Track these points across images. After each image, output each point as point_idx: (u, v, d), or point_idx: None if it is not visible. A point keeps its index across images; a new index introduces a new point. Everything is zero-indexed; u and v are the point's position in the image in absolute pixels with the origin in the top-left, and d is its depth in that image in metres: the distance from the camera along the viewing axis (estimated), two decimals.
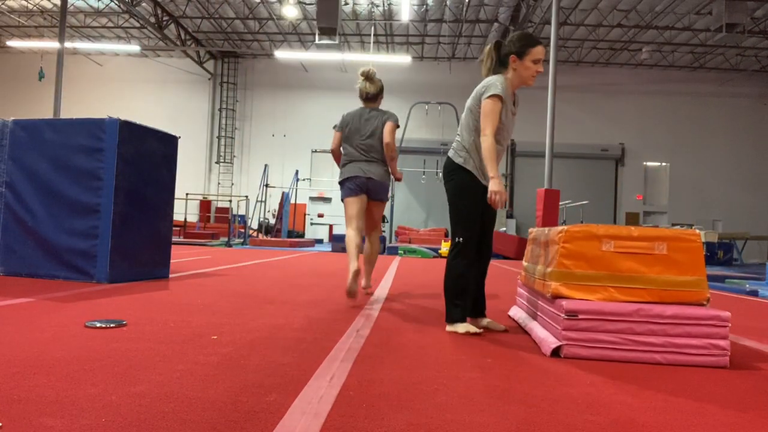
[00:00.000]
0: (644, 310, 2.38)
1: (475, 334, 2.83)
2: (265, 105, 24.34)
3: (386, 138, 3.99)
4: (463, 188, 2.96)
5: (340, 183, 4.11)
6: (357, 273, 3.69)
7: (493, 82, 2.90)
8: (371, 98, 4.14)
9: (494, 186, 2.77)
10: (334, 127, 4.19)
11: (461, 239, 2.92)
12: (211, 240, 14.57)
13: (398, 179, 4.19)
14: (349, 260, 3.81)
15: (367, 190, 4.03)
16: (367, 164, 4.02)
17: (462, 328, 2.88)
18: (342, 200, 4.10)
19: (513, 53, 2.92)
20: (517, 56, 2.91)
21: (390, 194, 4.72)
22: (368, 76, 4.15)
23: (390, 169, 4.16)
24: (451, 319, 2.94)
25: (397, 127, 4.06)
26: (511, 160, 23.70)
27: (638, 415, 1.65)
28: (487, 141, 2.84)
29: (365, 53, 21.62)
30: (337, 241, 13.61)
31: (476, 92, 2.96)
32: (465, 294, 2.95)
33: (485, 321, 3.10)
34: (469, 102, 3.02)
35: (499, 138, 2.95)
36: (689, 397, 1.88)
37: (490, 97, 2.86)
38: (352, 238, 3.91)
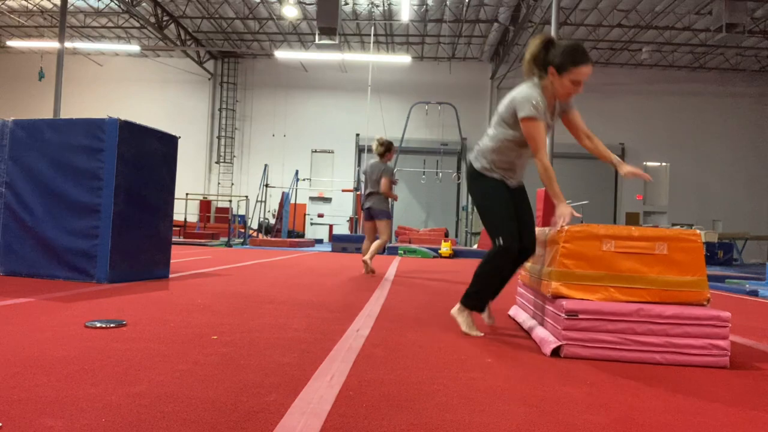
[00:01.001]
0: (644, 310, 2.38)
1: (478, 336, 2.83)
2: (265, 105, 24.34)
3: (382, 188, 6.39)
4: (487, 193, 2.88)
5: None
6: (365, 261, 6.41)
7: (527, 98, 2.67)
8: (380, 155, 6.49)
9: (560, 210, 2.67)
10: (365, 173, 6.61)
11: (501, 241, 2.79)
12: (211, 240, 14.57)
13: (395, 200, 6.72)
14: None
15: (369, 215, 6.56)
16: (368, 199, 6.52)
17: (467, 326, 2.85)
18: None
19: (553, 65, 2.66)
20: (556, 70, 2.64)
21: (389, 214, 6.60)
22: (379, 142, 6.49)
23: (388, 197, 6.49)
24: (466, 304, 2.88)
25: (391, 178, 6.41)
26: None
27: (638, 415, 1.64)
28: (540, 164, 2.69)
29: (365, 53, 21.61)
30: (337, 241, 13.61)
31: (510, 100, 2.77)
32: (492, 291, 2.93)
33: (487, 315, 3.14)
34: (500, 107, 2.84)
35: (524, 146, 2.80)
36: (689, 397, 1.88)
37: (524, 119, 2.67)
38: (364, 243, 6.75)
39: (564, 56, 2.62)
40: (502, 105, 2.82)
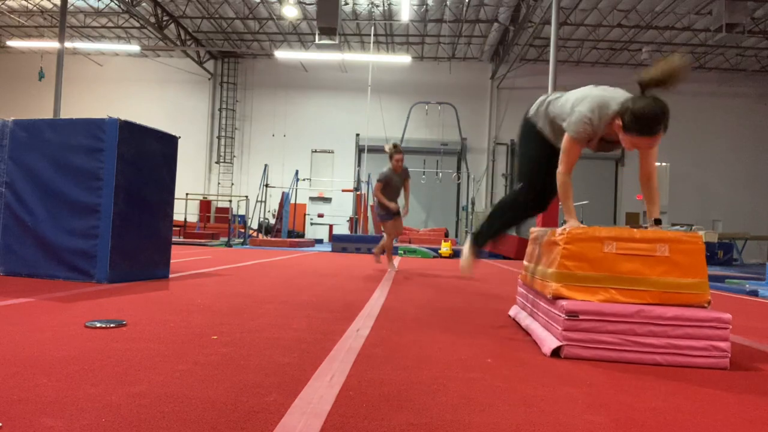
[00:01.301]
0: (645, 312, 2.38)
1: (467, 276, 3.09)
2: (265, 105, 24.33)
3: (373, 191, 6.86)
4: (528, 136, 2.95)
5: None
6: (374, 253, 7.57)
7: (581, 118, 2.56)
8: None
9: (570, 225, 2.65)
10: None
11: (523, 185, 2.92)
12: (211, 240, 14.57)
13: (385, 204, 6.84)
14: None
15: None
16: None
17: (467, 262, 3.20)
18: None
19: (621, 117, 2.50)
20: (622, 124, 2.50)
21: (384, 216, 7.00)
22: (387, 148, 6.73)
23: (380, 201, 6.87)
24: (475, 240, 3.16)
25: (378, 182, 6.81)
26: (511, 160, 23.69)
27: (638, 415, 1.64)
28: (560, 179, 2.68)
29: (365, 53, 21.62)
30: (337, 241, 13.60)
31: (571, 104, 2.67)
32: (500, 228, 3.11)
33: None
34: (569, 96, 2.74)
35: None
36: (689, 397, 1.88)
37: (570, 135, 2.60)
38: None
39: (631, 119, 2.46)
40: (567, 100, 2.71)
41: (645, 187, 2.74)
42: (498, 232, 3.18)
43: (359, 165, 23.21)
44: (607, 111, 2.55)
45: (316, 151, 24.09)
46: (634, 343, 2.37)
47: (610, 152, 2.85)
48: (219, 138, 24.35)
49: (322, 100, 23.88)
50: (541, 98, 3.03)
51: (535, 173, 2.98)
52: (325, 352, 2.27)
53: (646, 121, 2.43)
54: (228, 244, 13.27)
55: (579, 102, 2.62)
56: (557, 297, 2.51)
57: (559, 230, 2.71)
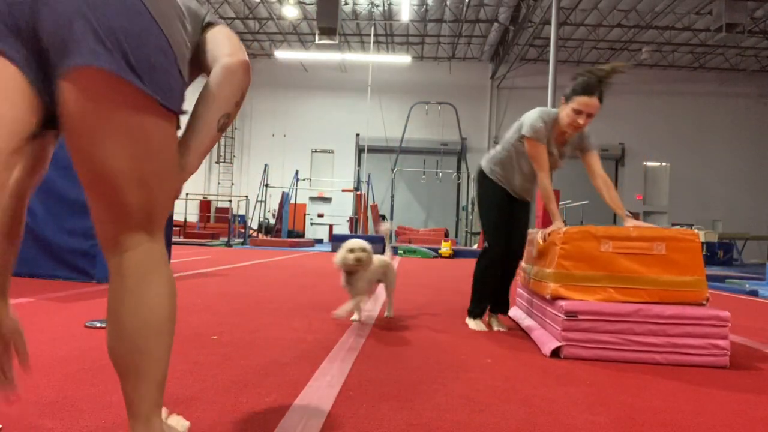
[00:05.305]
0: (644, 311, 2.38)
1: (481, 330, 3.03)
2: (265, 105, 24.33)
3: None
4: (487, 197, 3.09)
5: None
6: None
7: (534, 117, 2.82)
8: None
9: (553, 228, 2.76)
10: None
11: (488, 245, 3.06)
12: (211, 240, 14.57)
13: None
14: None
15: None
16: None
17: (474, 324, 3.08)
18: None
19: (564, 95, 2.78)
20: (564, 98, 2.78)
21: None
22: None
23: None
24: (470, 313, 3.15)
25: None
26: None
27: (638, 415, 1.65)
28: (541, 183, 2.84)
29: (365, 53, 21.62)
30: (337, 241, 13.60)
31: (523, 118, 2.92)
32: (486, 293, 3.11)
33: (496, 323, 3.18)
34: (517, 122, 2.99)
35: (526, 167, 2.96)
36: (689, 397, 1.88)
37: (527, 138, 2.82)
38: None
39: (573, 84, 2.71)
40: (517, 123, 2.98)
41: (606, 193, 2.89)
42: (489, 296, 3.13)
43: (359, 165, 23.22)
44: (550, 115, 2.82)
45: (316, 151, 24.09)
46: (634, 342, 2.37)
47: (565, 158, 3.02)
48: None
49: (322, 100, 23.87)
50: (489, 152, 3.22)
51: (499, 222, 3.03)
52: (325, 352, 2.27)
53: (584, 84, 2.67)
54: (228, 244, 13.27)
55: (525, 117, 2.90)
56: (556, 297, 2.51)
57: (541, 233, 2.84)
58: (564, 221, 2.93)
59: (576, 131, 2.80)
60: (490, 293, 3.12)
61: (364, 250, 2.74)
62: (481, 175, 3.13)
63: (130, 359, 0.98)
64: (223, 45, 1.16)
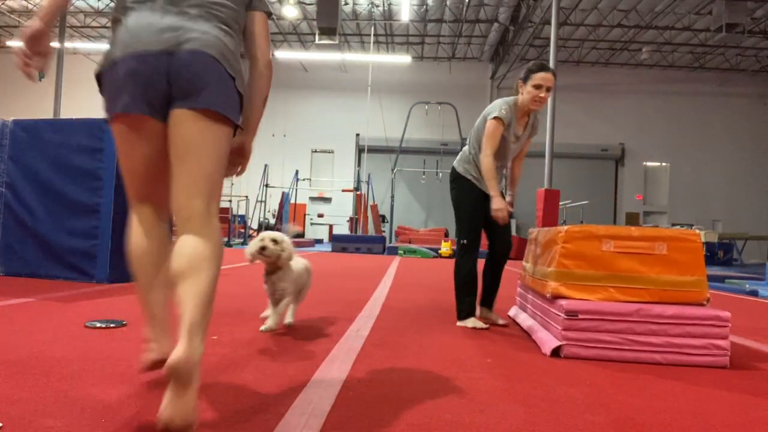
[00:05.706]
0: (644, 310, 2.38)
1: (483, 329, 3.02)
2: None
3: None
4: (463, 196, 3.18)
5: None
6: None
7: (497, 104, 3.09)
8: None
9: (495, 204, 2.98)
10: None
11: (465, 242, 3.15)
12: None
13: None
14: None
15: None
16: None
17: (470, 323, 3.07)
18: None
19: (520, 79, 3.11)
20: (522, 81, 3.08)
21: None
22: None
23: None
24: (460, 315, 3.14)
25: None
26: None
27: (638, 415, 1.65)
28: (485, 161, 3.02)
29: (365, 53, 21.61)
30: (337, 241, 13.61)
31: (484, 111, 3.17)
32: (472, 291, 3.13)
33: (493, 315, 3.29)
34: (479, 119, 3.20)
35: (498, 156, 3.09)
36: (689, 397, 1.88)
37: (492, 118, 3.03)
38: None
39: (527, 69, 3.08)
40: (481, 116, 3.18)
41: (517, 167, 3.33)
42: (473, 292, 3.14)
43: (359, 165, 23.22)
44: (509, 102, 3.10)
45: (316, 151, 24.08)
46: (634, 342, 2.37)
47: (527, 140, 3.26)
48: None
49: (322, 100, 23.87)
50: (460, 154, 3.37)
51: (475, 219, 3.14)
52: (325, 353, 2.27)
53: (538, 64, 3.06)
54: (228, 244, 13.27)
55: (489, 108, 3.14)
56: (556, 296, 2.51)
57: (498, 217, 2.95)
58: (564, 221, 2.94)
59: (540, 106, 3.06)
60: (473, 289, 3.15)
61: (274, 240, 2.49)
62: (456, 176, 3.24)
63: (188, 269, 1.49)
64: (260, 42, 1.71)
